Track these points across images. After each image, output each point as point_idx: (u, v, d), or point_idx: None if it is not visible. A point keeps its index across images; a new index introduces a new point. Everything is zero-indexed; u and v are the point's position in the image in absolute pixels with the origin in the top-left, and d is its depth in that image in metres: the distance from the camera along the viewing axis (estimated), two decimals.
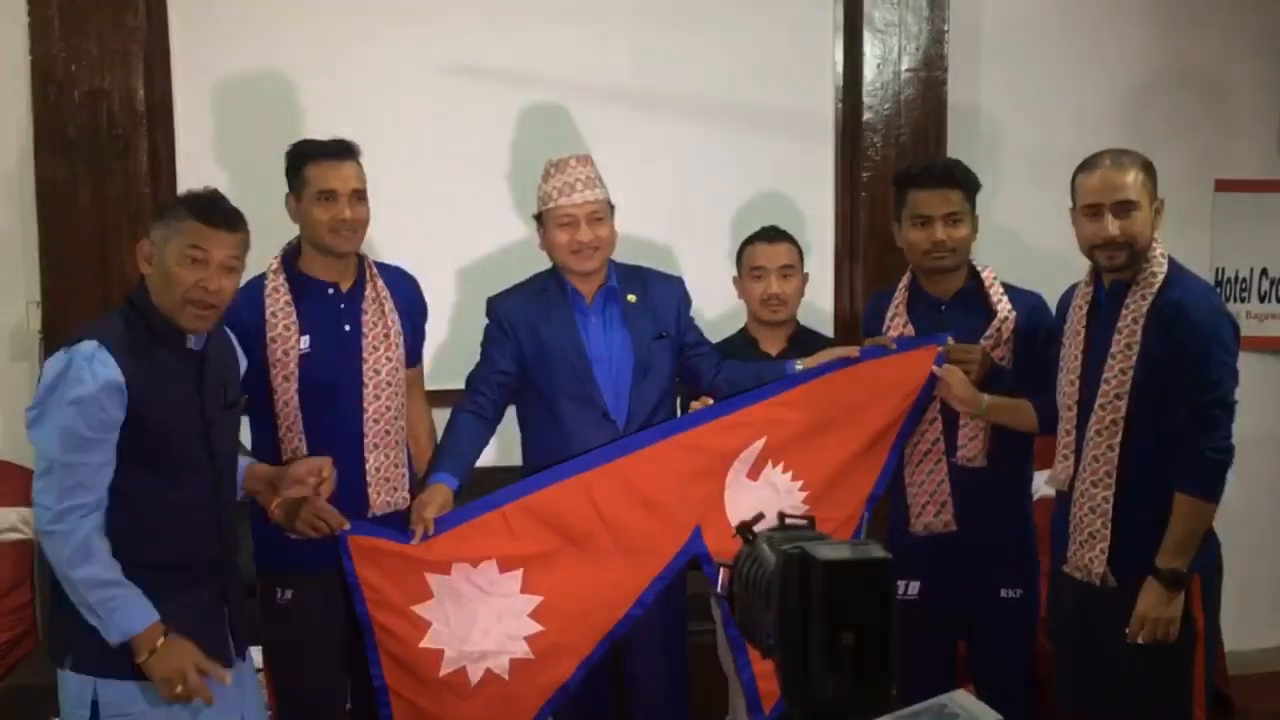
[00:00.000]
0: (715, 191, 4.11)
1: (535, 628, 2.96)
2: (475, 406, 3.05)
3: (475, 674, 2.94)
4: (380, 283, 2.97)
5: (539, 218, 3.12)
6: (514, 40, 3.95)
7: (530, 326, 3.08)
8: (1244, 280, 4.60)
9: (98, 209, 3.59)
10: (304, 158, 2.86)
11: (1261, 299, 4.60)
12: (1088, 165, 2.78)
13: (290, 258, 2.94)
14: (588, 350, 3.07)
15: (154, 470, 2.38)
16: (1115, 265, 2.73)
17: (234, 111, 3.79)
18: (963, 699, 1.20)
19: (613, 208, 3.10)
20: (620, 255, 3.18)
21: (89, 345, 2.30)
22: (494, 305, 3.16)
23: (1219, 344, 2.64)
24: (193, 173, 3.75)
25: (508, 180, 3.95)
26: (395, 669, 2.91)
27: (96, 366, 2.28)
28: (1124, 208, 2.69)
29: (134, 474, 2.35)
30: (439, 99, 3.89)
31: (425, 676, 2.91)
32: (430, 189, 3.82)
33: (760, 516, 1.33)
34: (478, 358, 3.14)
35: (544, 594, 2.96)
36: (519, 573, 2.94)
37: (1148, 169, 2.75)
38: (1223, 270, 4.58)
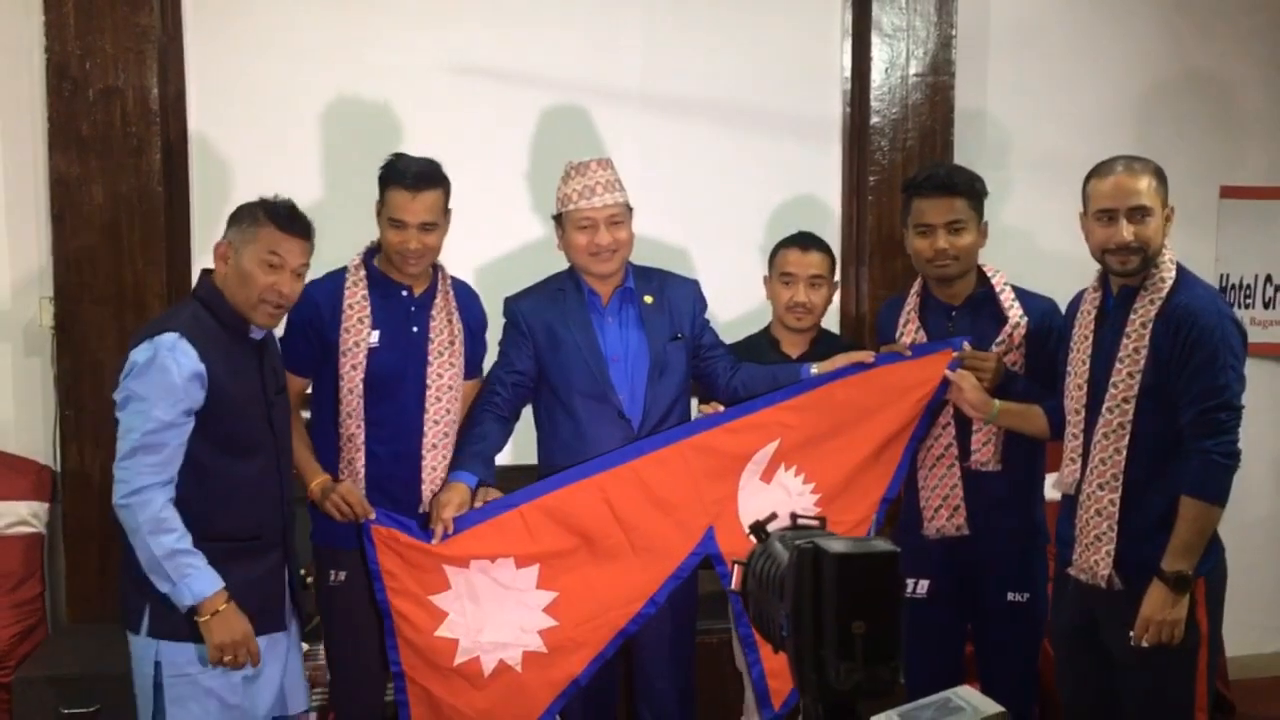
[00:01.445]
0: (724, 194, 4.13)
1: (549, 622, 3.01)
2: (493, 406, 3.09)
3: (489, 664, 3.00)
4: (451, 293, 3.08)
5: (558, 219, 3.15)
6: (527, 43, 3.97)
7: (547, 326, 3.11)
8: (1248, 287, 4.62)
9: (111, 206, 3.61)
10: (388, 180, 2.96)
11: (1266, 305, 4.62)
12: (1101, 170, 2.80)
13: (371, 256, 3.05)
14: (604, 350, 3.10)
15: (226, 448, 2.59)
16: (1127, 270, 2.75)
17: (247, 111, 3.81)
18: (967, 693, 1.22)
19: (631, 211, 3.13)
20: (634, 255, 3.20)
21: (170, 336, 2.51)
22: (511, 305, 3.20)
23: (1226, 348, 2.66)
24: (206, 172, 3.79)
25: (526, 180, 3.98)
26: (412, 655, 2.98)
27: (179, 356, 2.50)
28: (1138, 213, 2.72)
29: (208, 453, 2.56)
30: (453, 99, 3.91)
31: (440, 665, 2.98)
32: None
33: (774, 516, 1.36)
34: (495, 356, 3.17)
35: (559, 590, 3.01)
36: (535, 569, 3.00)
37: (1160, 175, 2.77)
38: (1227, 277, 4.60)
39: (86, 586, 3.66)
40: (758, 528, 1.30)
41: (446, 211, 3.01)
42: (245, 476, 2.63)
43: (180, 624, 2.53)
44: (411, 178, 2.93)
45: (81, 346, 3.62)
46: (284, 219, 2.62)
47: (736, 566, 1.31)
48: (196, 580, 2.49)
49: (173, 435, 2.50)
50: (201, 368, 2.51)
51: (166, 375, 2.48)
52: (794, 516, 1.29)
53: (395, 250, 2.95)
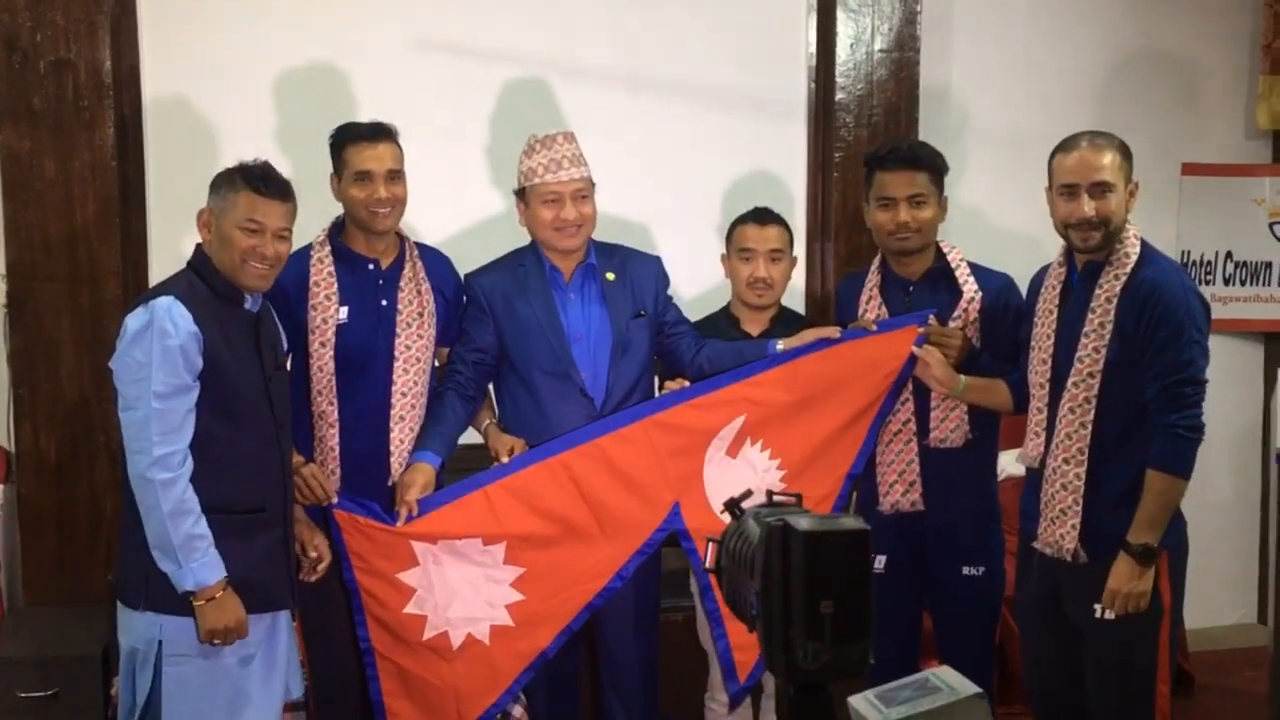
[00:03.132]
0: (688, 170, 4.11)
1: (516, 597, 3.02)
2: (456, 385, 3.07)
3: (457, 638, 3.01)
4: (419, 263, 3.06)
5: (520, 193, 3.11)
6: (491, 17, 3.93)
7: (507, 303, 3.09)
8: (1209, 263, 4.65)
9: (63, 182, 3.54)
10: (343, 140, 2.98)
11: (1226, 282, 4.65)
12: (1066, 145, 2.81)
13: (336, 231, 3.03)
14: (566, 328, 3.08)
15: (227, 418, 2.56)
16: (1089, 245, 2.76)
17: (203, 85, 3.74)
18: (945, 673, 1.22)
19: (594, 186, 3.10)
20: (596, 231, 3.17)
21: (166, 299, 2.49)
22: (471, 281, 3.16)
23: (1191, 323, 2.68)
24: (162, 146, 3.72)
25: (486, 155, 3.93)
26: (380, 632, 2.99)
27: (176, 317, 2.47)
28: (1100, 189, 2.73)
29: (210, 421, 2.53)
30: (413, 73, 3.86)
31: (409, 640, 2.99)
32: (406, 164, 3.79)
33: (749, 493, 1.35)
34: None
35: (526, 566, 3.02)
36: (502, 545, 3.00)
37: (1124, 151, 2.78)
38: (1188, 253, 4.62)
39: (43, 569, 3.61)
40: (732, 504, 1.28)
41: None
42: (246, 449, 2.60)
43: (183, 599, 2.51)
44: (368, 129, 2.95)
45: (35, 325, 3.56)
46: (259, 182, 2.60)
47: (711, 544, 1.29)
48: (202, 568, 2.47)
49: (181, 401, 2.47)
50: (197, 330, 2.48)
51: (166, 339, 2.45)
52: (770, 494, 1.28)
53: (364, 207, 2.92)
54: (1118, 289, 2.72)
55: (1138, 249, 2.77)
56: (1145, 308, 2.68)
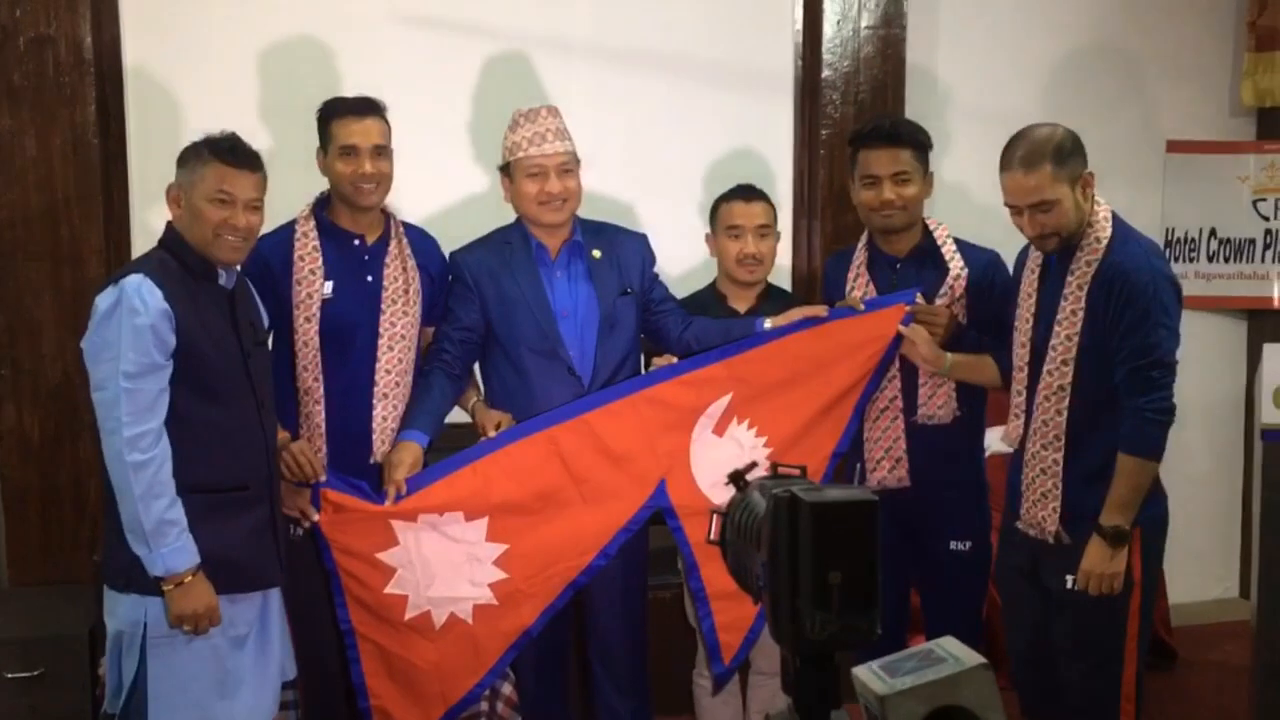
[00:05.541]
0: (674, 148, 4.09)
1: (499, 575, 3.01)
2: (442, 363, 3.06)
3: (439, 618, 3.00)
4: (405, 240, 3.04)
5: (505, 169, 3.09)
6: None
7: (494, 280, 3.07)
8: (1193, 241, 4.66)
9: (44, 160, 3.50)
10: (330, 114, 2.95)
11: (1210, 259, 4.66)
12: (1004, 160, 2.75)
13: (320, 207, 3.00)
14: (553, 305, 3.07)
15: (205, 395, 2.53)
16: (1050, 250, 2.78)
17: (184, 61, 3.70)
18: (949, 644, 1.22)
19: (579, 162, 3.09)
20: (580, 210, 3.16)
21: (135, 278, 2.45)
22: (456, 259, 3.14)
23: (1158, 306, 2.67)
24: (143, 123, 3.68)
25: (469, 132, 3.91)
26: (361, 613, 2.97)
27: (145, 295, 2.43)
28: (1041, 208, 2.70)
29: (188, 399, 2.49)
30: (396, 47, 3.83)
31: (391, 620, 2.98)
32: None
33: (753, 465, 1.35)
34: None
35: (509, 543, 3.00)
36: (484, 522, 2.98)
37: (1061, 153, 2.68)
38: (1173, 231, 4.64)
39: (27, 549, 3.58)
40: (737, 476, 1.28)
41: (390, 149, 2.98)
42: (227, 426, 2.56)
43: None
44: (356, 103, 2.94)
45: (17, 304, 3.52)
46: (228, 153, 2.56)
47: (715, 516, 1.29)
48: (172, 554, 2.44)
49: (152, 381, 2.42)
50: (168, 307, 2.44)
51: (135, 318, 2.40)
52: (774, 465, 1.28)
53: (349, 182, 2.90)
54: (1089, 275, 2.72)
55: (1108, 232, 2.75)
56: (1113, 292, 2.68)
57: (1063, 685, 2.86)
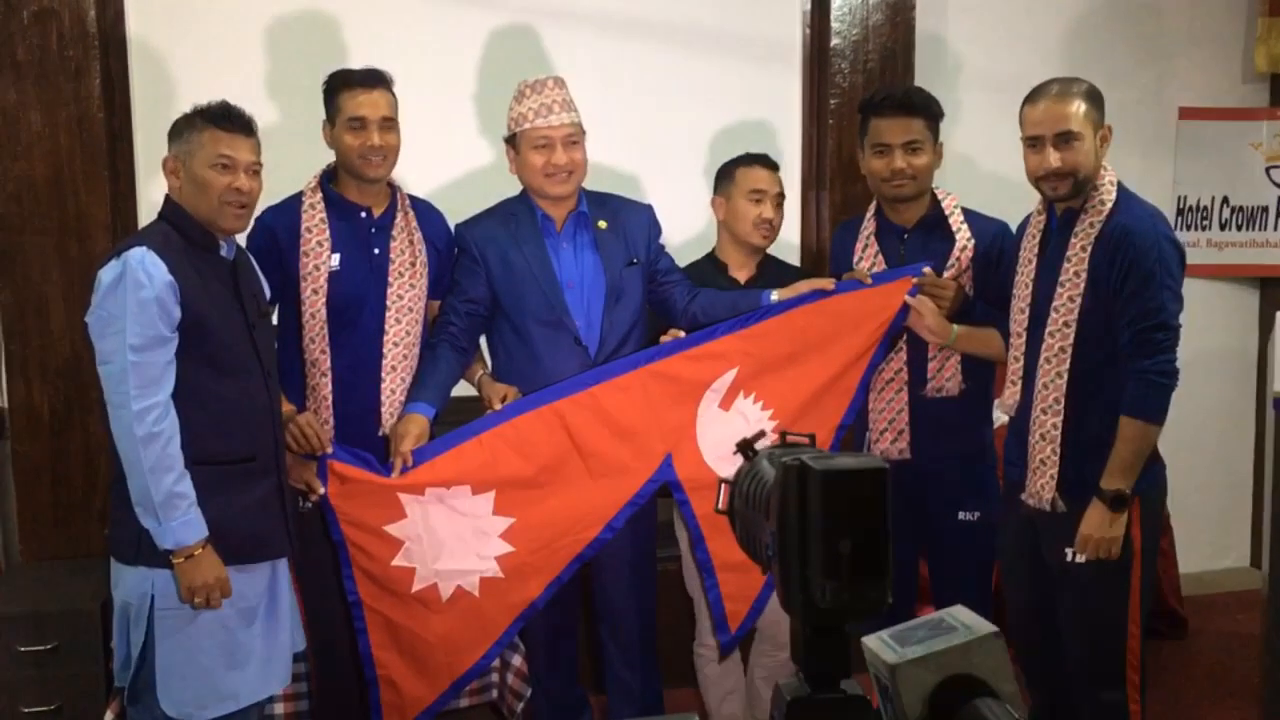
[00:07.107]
0: (681, 117, 4.06)
1: (506, 548, 3.01)
2: (449, 336, 3.05)
3: (446, 590, 3.00)
4: (411, 213, 3.03)
5: (510, 140, 3.08)
6: None
7: (500, 252, 3.06)
8: (1205, 208, 4.63)
9: (50, 134, 3.49)
10: (337, 86, 2.95)
11: (1223, 227, 4.63)
12: (1032, 96, 2.78)
13: (327, 179, 3.00)
14: (559, 276, 3.06)
15: (212, 367, 2.52)
16: (1059, 195, 2.75)
17: (188, 34, 3.68)
18: (960, 613, 1.21)
19: (584, 133, 3.07)
20: (585, 181, 3.15)
21: (139, 250, 2.43)
22: (462, 231, 3.14)
23: (1163, 268, 2.66)
24: (148, 96, 3.67)
25: (474, 103, 3.89)
26: (369, 584, 2.97)
27: (150, 268, 2.41)
28: (1065, 139, 2.70)
29: (195, 371, 2.49)
30: (401, 19, 3.81)
31: (398, 592, 2.98)
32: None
33: (761, 434, 1.34)
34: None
35: (515, 516, 3.01)
36: (491, 495, 2.99)
37: (1092, 98, 2.74)
38: (1185, 198, 4.61)
39: (39, 524, 3.59)
40: (745, 445, 1.27)
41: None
42: (234, 397, 2.56)
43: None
44: (363, 75, 2.93)
45: (24, 279, 3.52)
46: (223, 119, 2.55)
47: (724, 485, 1.28)
48: (181, 527, 2.43)
49: (158, 353, 2.42)
50: (173, 279, 2.43)
51: (140, 290, 2.39)
52: (783, 434, 1.27)
53: (357, 154, 2.90)
54: (1093, 237, 2.71)
55: (1113, 195, 2.74)
56: (1117, 254, 2.67)
57: (1067, 657, 2.86)
